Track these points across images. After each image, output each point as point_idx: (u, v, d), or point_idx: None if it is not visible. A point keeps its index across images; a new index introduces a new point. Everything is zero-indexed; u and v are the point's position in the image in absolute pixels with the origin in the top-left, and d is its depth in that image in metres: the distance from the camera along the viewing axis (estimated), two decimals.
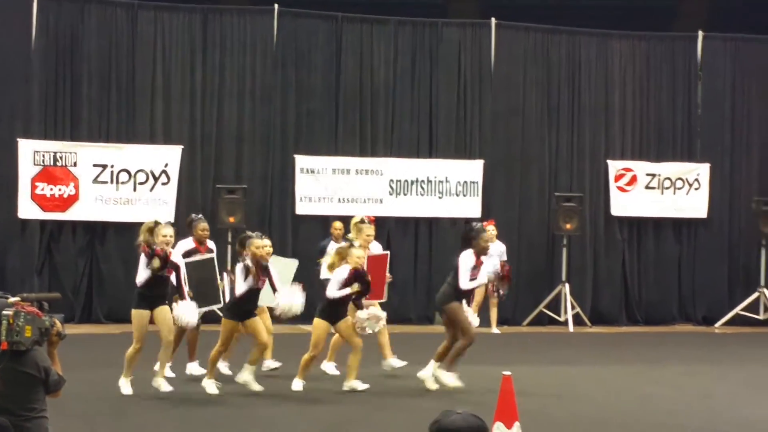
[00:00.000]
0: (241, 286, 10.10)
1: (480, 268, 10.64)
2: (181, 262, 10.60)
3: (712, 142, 18.22)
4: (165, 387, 10.03)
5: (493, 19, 17.46)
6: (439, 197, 17.02)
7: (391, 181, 16.84)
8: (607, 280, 17.57)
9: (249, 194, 15.96)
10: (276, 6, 16.46)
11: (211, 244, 11.63)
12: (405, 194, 16.97)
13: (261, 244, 10.23)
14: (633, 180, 17.74)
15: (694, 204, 18.01)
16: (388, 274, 12.03)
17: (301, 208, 16.38)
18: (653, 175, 17.87)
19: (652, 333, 17.03)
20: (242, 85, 16.55)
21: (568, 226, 16.69)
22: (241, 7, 17.07)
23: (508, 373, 7.92)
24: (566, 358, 13.58)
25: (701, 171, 17.99)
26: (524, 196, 17.52)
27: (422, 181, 17.00)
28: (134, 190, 15.81)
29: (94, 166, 15.64)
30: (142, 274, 10.05)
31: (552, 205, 17.09)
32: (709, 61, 18.32)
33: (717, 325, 17.60)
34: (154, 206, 15.65)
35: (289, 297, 10.56)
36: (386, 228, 16.24)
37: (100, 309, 15.72)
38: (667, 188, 17.93)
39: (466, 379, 10.61)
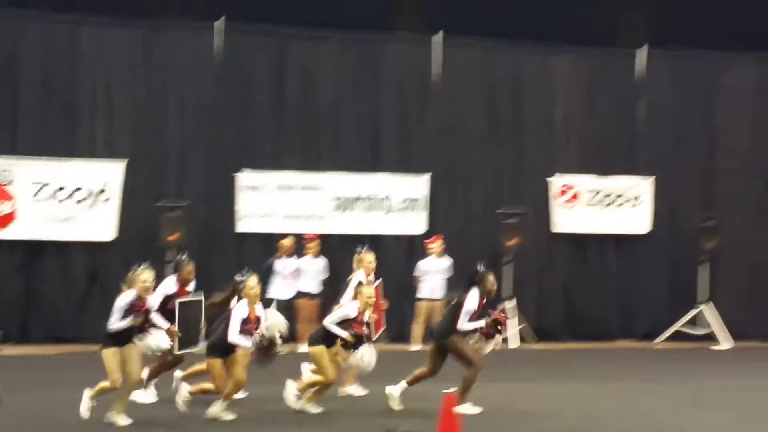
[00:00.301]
0: (236, 332, 9.89)
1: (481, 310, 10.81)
2: (156, 302, 10.52)
3: (653, 157, 18.49)
4: (123, 421, 9.83)
5: (437, 35, 17.55)
6: (384, 213, 17.11)
7: (336, 197, 16.85)
8: (551, 297, 17.76)
9: (191, 212, 15.85)
10: (218, 22, 16.34)
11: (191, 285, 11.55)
12: (349, 210, 17.01)
13: (253, 284, 10.11)
14: (575, 196, 17.99)
15: (636, 220, 18.32)
16: (382, 301, 12.03)
17: (244, 226, 16.31)
18: (595, 192, 18.09)
19: (595, 349, 17.21)
20: (184, 102, 16.49)
21: (510, 243, 16.82)
22: (184, 24, 16.98)
23: (449, 390, 8.11)
24: (510, 374, 13.61)
25: (643, 187, 18.28)
26: (468, 212, 17.69)
27: (366, 197, 17.07)
28: (74, 207, 15.58)
29: (33, 183, 15.40)
30: (118, 323, 9.74)
31: (496, 221, 17.15)
32: (650, 77, 18.62)
33: (657, 341, 17.87)
34: (94, 223, 15.53)
35: (272, 316, 10.47)
36: (330, 244, 16.26)
37: (37, 329, 15.49)
38: (608, 204, 18.19)
39: (409, 396, 10.68)
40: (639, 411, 11.39)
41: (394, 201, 17.23)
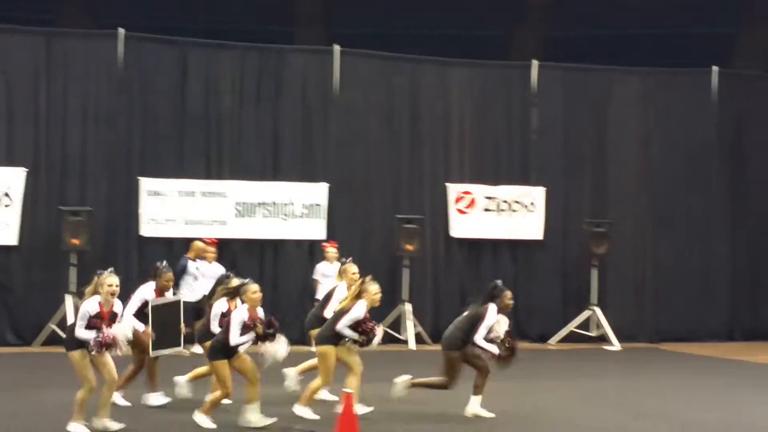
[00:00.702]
0: (237, 335, 9.80)
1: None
2: (134, 308, 10.64)
3: (546, 166, 18.95)
4: (114, 426, 9.71)
5: (337, 47, 17.86)
6: (284, 219, 17.31)
7: (237, 203, 17.03)
8: (447, 299, 17.99)
9: (94, 216, 15.96)
10: (121, 31, 16.49)
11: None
12: (250, 216, 17.18)
13: (255, 289, 10.07)
14: (472, 203, 18.34)
15: (530, 226, 18.70)
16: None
17: (147, 230, 16.40)
18: (491, 198, 18.47)
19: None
20: (87, 108, 16.54)
21: (409, 247, 17.15)
22: (86, 31, 17.15)
23: (348, 390, 8.29)
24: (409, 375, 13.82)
25: (536, 194, 18.69)
26: (367, 219, 17.99)
27: (267, 203, 17.24)
28: None
29: None
30: (83, 333, 9.57)
31: (394, 227, 17.48)
32: (542, 89, 19.07)
33: (551, 341, 18.29)
34: None
35: (276, 344, 10.35)
36: (232, 250, 16.56)
37: None
38: (503, 210, 18.55)
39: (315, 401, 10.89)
40: (533, 408, 11.74)
41: (294, 208, 17.41)
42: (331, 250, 16.21)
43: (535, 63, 19.10)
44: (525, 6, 22.54)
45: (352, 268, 11.90)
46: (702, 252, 19.92)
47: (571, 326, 18.08)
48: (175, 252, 16.04)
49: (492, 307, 10.91)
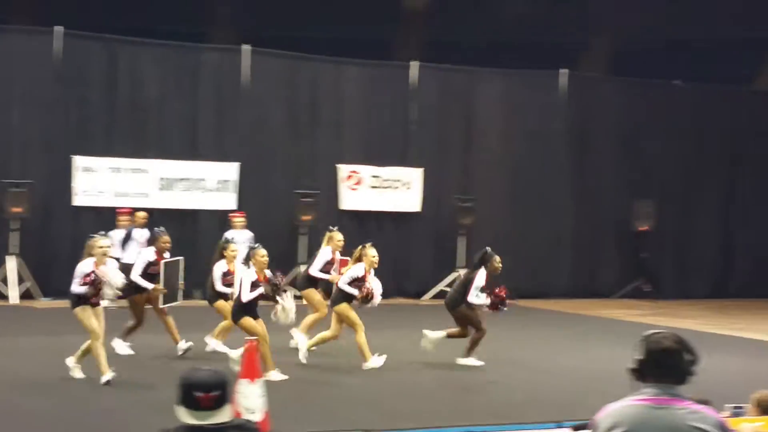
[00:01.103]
0: (248, 293, 10.38)
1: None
2: (139, 269, 11.31)
3: (423, 151, 20.27)
4: (78, 374, 10.20)
5: (246, 46, 19.17)
6: (201, 192, 18.63)
7: (160, 178, 18.34)
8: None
9: (34, 189, 17.13)
10: (57, 28, 17.58)
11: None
12: (171, 190, 18.46)
13: (263, 253, 10.61)
14: (359, 181, 19.70)
15: (408, 201, 19.98)
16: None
17: (79, 201, 17.66)
18: (376, 177, 19.80)
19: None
20: (27, 96, 17.71)
21: (305, 217, 18.48)
22: (29, 28, 18.34)
23: (252, 338, 8.70)
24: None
25: (414, 175, 20.01)
26: (271, 193, 19.16)
27: (186, 179, 18.55)
28: None
29: None
30: (77, 288, 9.95)
31: (293, 201, 18.69)
32: (421, 86, 20.34)
33: (424, 298, 19.71)
34: None
35: (290, 302, 10.85)
36: (155, 218, 17.28)
37: None
38: (386, 188, 19.89)
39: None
40: (405, 350, 12.63)
41: (209, 183, 18.65)
42: (238, 220, 17.19)
43: (414, 63, 20.44)
44: (407, 13, 24.01)
45: (338, 236, 12.89)
46: (551, 223, 21.11)
47: (441, 285, 19.36)
48: (103, 219, 16.78)
49: (482, 272, 11.70)
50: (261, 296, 10.51)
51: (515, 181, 21.22)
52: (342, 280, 11.35)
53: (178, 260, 11.75)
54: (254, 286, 10.38)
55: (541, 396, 10.48)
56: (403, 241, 20.28)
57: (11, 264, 16.95)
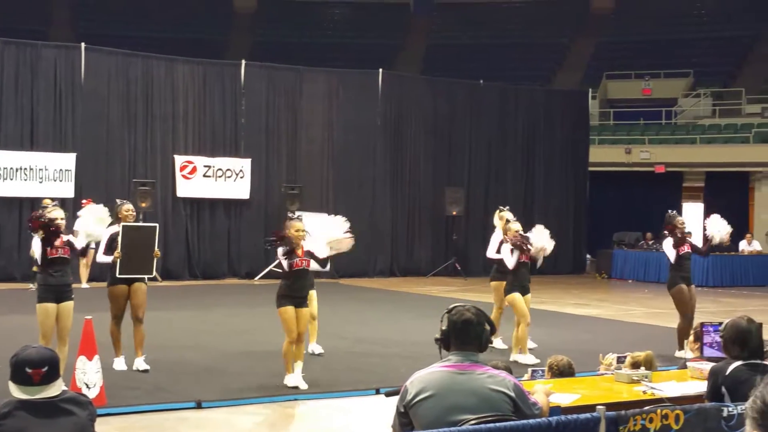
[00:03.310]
0: (285, 263, 8.89)
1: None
2: (101, 249, 9.25)
3: (252, 143, 20.76)
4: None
5: (83, 44, 19.33)
6: (39, 182, 18.64)
7: (1, 168, 18.32)
8: (175, 246, 19.59)
9: None
10: None
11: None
12: (11, 179, 18.45)
13: (299, 227, 8.92)
14: (194, 170, 20.05)
15: (239, 189, 20.41)
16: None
17: None
18: (209, 167, 20.21)
19: (208, 285, 19.08)
20: None
21: (143, 204, 18.36)
22: None
23: (89, 317, 8.04)
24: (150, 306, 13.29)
25: (245, 165, 20.46)
26: (109, 182, 19.21)
27: (25, 168, 18.53)
28: None
29: None
30: (37, 251, 8.40)
31: (132, 189, 18.72)
32: (249, 84, 20.83)
33: (256, 278, 20.08)
34: None
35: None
36: None
37: None
38: (219, 177, 20.32)
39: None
40: (237, 329, 12.75)
41: (48, 173, 18.66)
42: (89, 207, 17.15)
43: (243, 62, 20.96)
44: (237, 15, 24.76)
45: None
46: (371, 209, 21.77)
47: (271, 266, 19.26)
48: None
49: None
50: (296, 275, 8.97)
51: (337, 170, 21.72)
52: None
53: (153, 227, 9.74)
54: (289, 255, 8.93)
55: (359, 366, 10.39)
56: (235, 225, 20.68)
57: None
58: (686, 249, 11.53)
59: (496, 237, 11.37)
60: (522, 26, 34.35)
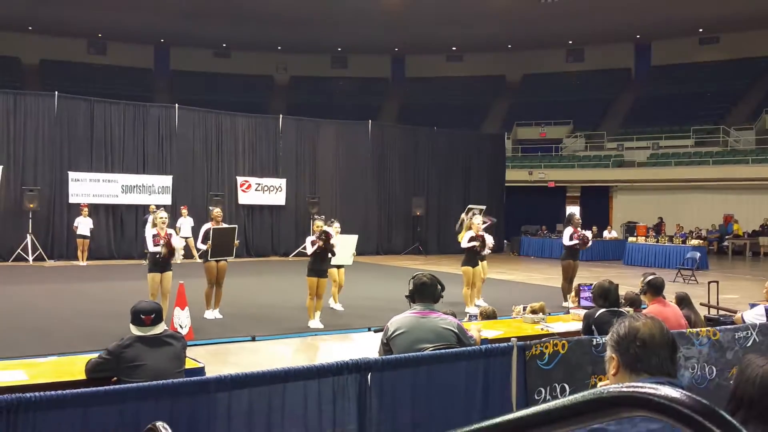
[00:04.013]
0: (310, 248, 8.59)
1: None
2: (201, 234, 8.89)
3: (287, 169, 19.56)
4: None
5: (176, 104, 18.47)
6: (149, 194, 17.60)
7: (125, 185, 17.42)
8: (238, 236, 17.90)
9: None
10: None
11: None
12: (131, 193, 17.58)
13: (319, 224, 8.71)
14: (249, 186, 18.90)
15: (279, 198, 19.62)
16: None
17: None
18: (259, 184, 19.01)
19: (259, 261, 17.81)
20: None
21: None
22: None
23: (182, 281, 7.74)
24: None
25: (282, 183, 19.63)
26: (195, 195, 18.12)
27: (140, 185, 17.63)
28: None
29: None
30: (152, 247, 8.06)
31: (208, 199, 18.00)
32: (285, 130, 19.66)
33: (290, 256, 18.82)
34: None
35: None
36: None
37: None
38: (265, 191, 19.40)
39: None
40: (279, 288, 12.10)
41: (154, 188, 17.54)
42: None
43: (280, 117, 19.94)
44: (277, 86, 23.70)
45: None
46: (364, 212, 20.99)
47: (299, 249, 17.91)
48: None
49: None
50: (315, 257, 8.59)
51: (343, 188, 21.08)
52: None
53: (233, 228, 9.45)
54: (313, 244, 8.57)
55: (358, 313, 9.95)
56: (276, 222, 19.99)
57: None
58: (576, 238, 11.05)
59: (469, 233, 10.24)
60: (463, 93, 34.59)
